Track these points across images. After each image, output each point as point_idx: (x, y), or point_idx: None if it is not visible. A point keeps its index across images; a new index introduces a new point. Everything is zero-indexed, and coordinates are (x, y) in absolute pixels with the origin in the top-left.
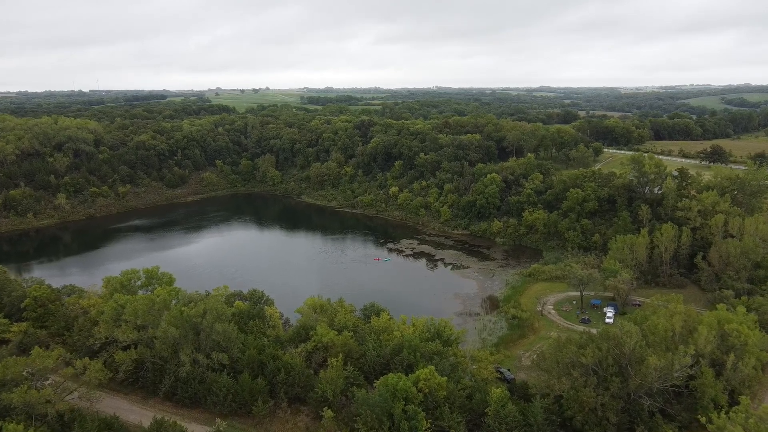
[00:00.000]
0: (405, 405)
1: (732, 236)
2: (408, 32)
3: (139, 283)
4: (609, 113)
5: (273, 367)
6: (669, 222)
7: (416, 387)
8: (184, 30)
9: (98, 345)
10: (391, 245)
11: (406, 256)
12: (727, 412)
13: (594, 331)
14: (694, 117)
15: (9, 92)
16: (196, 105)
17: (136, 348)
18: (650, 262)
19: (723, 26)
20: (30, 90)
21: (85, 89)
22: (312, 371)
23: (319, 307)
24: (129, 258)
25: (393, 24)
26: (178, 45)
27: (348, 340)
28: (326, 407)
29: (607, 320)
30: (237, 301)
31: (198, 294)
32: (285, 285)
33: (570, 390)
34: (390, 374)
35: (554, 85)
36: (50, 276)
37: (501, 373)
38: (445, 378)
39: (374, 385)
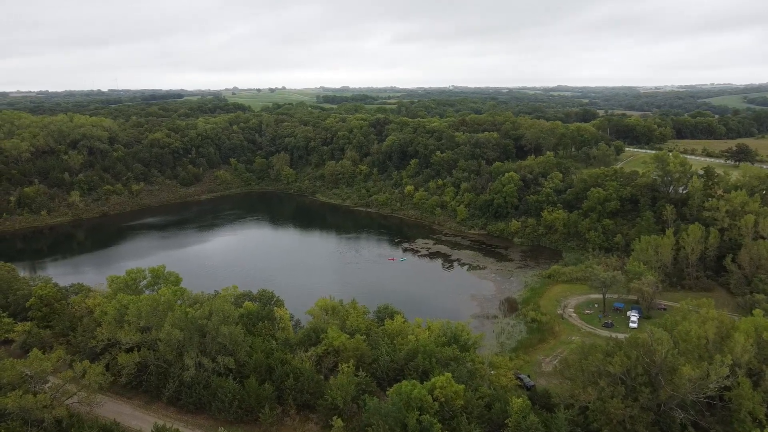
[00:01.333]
0: (419, 415)
1: (763, 237)
2: (424, 31)
3: (144, 282)
4: (628, 112)
5: (281, 372)
6: (696, 222)
7: (432, 395)
8: (203, 29)
9: (101, 347)
10: (406, 245)
11: (422, 255)
12: (765, 427)
13: (618, 336)
14: (717, 116)
15: (30, 92)
16: (212, 104)
17: (139, 350)
18: (675, 264)
19: (744, 23)
20: (50, 90)
21: (104, 89)
22: (322, 377)
23: (331, 308)
24: (142, 256)
25: (409, 23)
26: (196, 44)
27: (360, 344)
28: (336, 416)
29: (631, 324)
30: (246, 302)
31: (204, 294)
32: (297, 285)
33: (596, 401)
34: (404, 381)
35: (571, 84)
36: (63, 274)
37: (521, 379)
38: (463, 386)
39: (387, 393)
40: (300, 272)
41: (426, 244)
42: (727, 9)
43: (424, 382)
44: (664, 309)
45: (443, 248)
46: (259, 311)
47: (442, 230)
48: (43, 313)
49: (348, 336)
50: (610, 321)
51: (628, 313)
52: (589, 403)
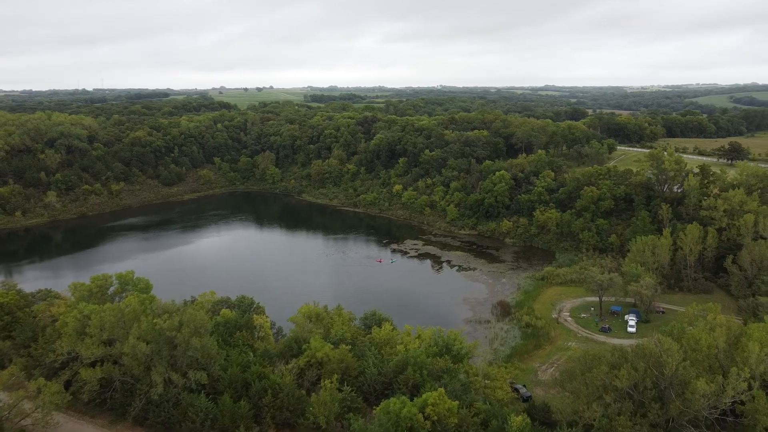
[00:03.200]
0: None
1: (763, 237)
2: (418, 30)
3: (112, 289)
4: (617, 111)
5: (258, 388)
6: (693, 222)
7: (423, 413)
8: (197, 27)
9: (60, 362)
10: (394, 246)
11: (411, 257)
12: None
13: (616, 341)
14: (705, 115)
15: (13, 91)
16: (197, 102)
17: (102, 365)
18: (673, 265)
19: (730, 25)
20: (35, 89)
21: (90, 88)
22: (304, 391)
23: (315, 315)
24: (121, 259)
25: (403, 22)
26: (187, 43)
27: (345, 355)
28: None
29: (630, 329)
30: (223, 309)
31: (174, 304)
32: (280, 289)
33: (602, 418)
34: (392, 399)
35: (559, 84)
36: (35, 278)
37: (517, 390)
38: (456, 402)
39: (374, 411)
40: (284, 275)
41: (415, 245)
42: (714, 11)
43: (415, 399)
44: (663, 312)
45: (433, 249)
46: (236, 320)
47: (432, 230)
48: (4, 323)
49: (332, 346)
50: (607, 325)
51: (626, 316)
52: (594, 420)
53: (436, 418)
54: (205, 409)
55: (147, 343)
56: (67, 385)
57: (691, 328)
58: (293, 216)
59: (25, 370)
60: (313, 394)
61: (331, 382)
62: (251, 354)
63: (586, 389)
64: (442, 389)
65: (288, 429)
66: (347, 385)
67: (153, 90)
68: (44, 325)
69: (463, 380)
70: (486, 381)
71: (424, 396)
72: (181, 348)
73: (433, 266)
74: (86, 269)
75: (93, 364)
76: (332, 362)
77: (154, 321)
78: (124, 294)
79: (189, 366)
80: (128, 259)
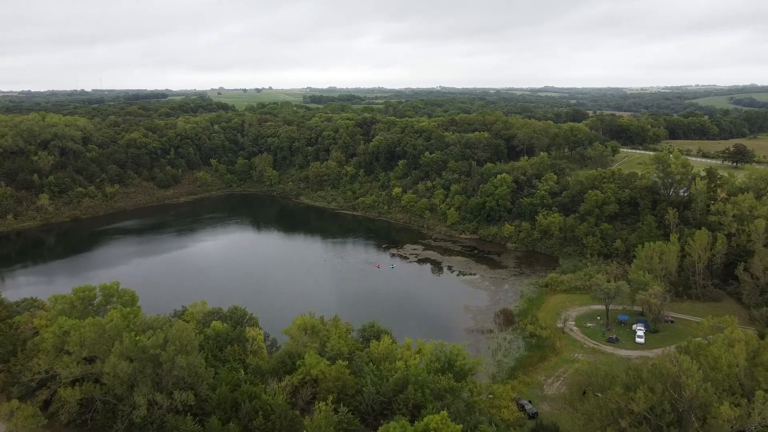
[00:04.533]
0: None
1: None
2: (417, 31)
3: (96, 302)
4: (617, 113)
5: (249, 408)
6: (702, 228)
7: None
8: (196, 27)
9: (37, 381)
10: (394, 250)
11: (411, 262)
12: None
13: (624, 352)
14: (706, 116)
15: (12, 91)
16: (195, 103)
17: (81, 384)
18: (681, 272)
19: (730, 25)
20: (33, 89)
21: (88, 89)
22: (298, 411)
23: (310, 327)
24: (113, 264)
25: (402, 22)
26: (186, 43)
27: (342, 372)
28: None
29: (638, 339)
30: (214, 322)
31: (159, 318)
32: (275, 296)
33: None
34: (392, 423)
35: (558, 85)
36: (27, 284)
37: (522, 406)
38: (460, 426)
39: None
40: (280, 281)
41: (415, 249)
42: (712, 11)
43: (416, 423)
44: (672, 321)
45: (433, 254)
46: (228, 333)
47: (432, 234)
48: None
49: (328, 362)
50: (614, 336)
51: (634, 326)
52: None
53: None
54: None
55: (131, 361)
56: (47, 404)
57: (706, 342)
58: (291, 219)
59: (2, 387)
60: (307, 416)
61: (327, 404)
62: (242, 371)
63: (600, 413)
64: (444, 412)
65: None
66: (344, 405)
67: (151, 91)
68: (25, 338)
69: (466, 400)
70: (490, 396)
71: (425, 420)
72: (166, 366)
73: (433, 272)
74: (78, 275)
75: (73, 383)
76: (328, 380)
77: (137, 338)
78: (108, 306)
79: (175, 385)
80: (120, 264)
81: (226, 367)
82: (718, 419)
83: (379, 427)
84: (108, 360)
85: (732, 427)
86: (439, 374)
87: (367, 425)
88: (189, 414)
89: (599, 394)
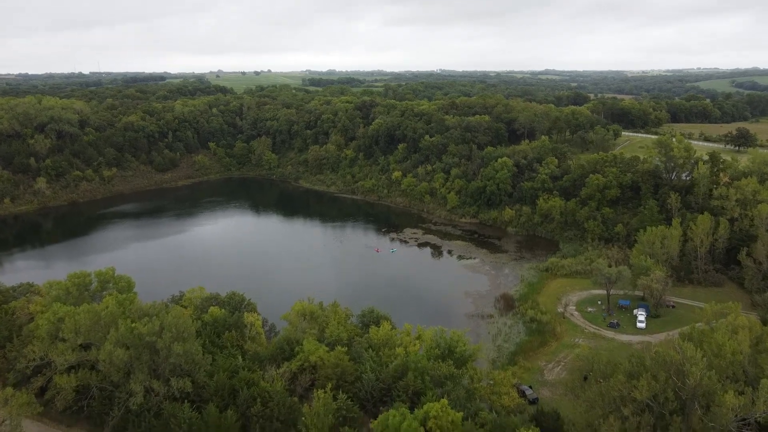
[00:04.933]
0: None
1: None
2: (417, 14)
3: (91, 288)
4: (618, 96)
5: (247, 395)
6: (705, 212)
7: (424, 427)
8: (195, 9)
9: (32, 368)
10: (393, 234)
11: (410, 246)
12: None
13: (625, 337)
14: (708, 99)
15: (9, 74)
16: (193, 86)
17: (78, 371)
18: (682, 257)
19: (731, 9)
20: (31, 72)
21: (86, 71)
22: (296, 398)
23: (309, 313)
24: (111, 248)
25: (402, 6)
26: (186, 26)
27: (341, 359)
28: None
29: (639, 324)
30: (212, 307)
31: (156, 305)
32: (274, 281)
33: None
34: (391, 410)
35: (559, 68)
36: (25, 268)
37: (522, 392)
38: (461, 413)
39: (372, 424)
40: (279, 266)
41: (415, 233)
42: None
43: (415, 410)
44: (673, 306)
45: (433, 238)
46: (225, 319)
47: (432, 219)
48: None
49: (327, 349)
50: (615, 321)
51: (635, 311)
52: None
53: (438, 431)
54: (189, 420)
55: (127, 348)
56: (43, 390)
57: (710, 328)
58: (290, 203)
59: None
60: (306, 404)
61: (325, 392)
62: (240, 358)
63: (602, 401)
64: (444, 400)
65: None
66: (343, 392)
67: (149, 73)
68: (21, 324)
69: (466, 386)
70: (490, 381)
71: (425, 407)
72: (162, 354)
73: (433, 256)
74: (76, 259)
75: (69, 370)
76: (327, 367)
77: (133, 325)
78: (104, 293)
79: (172, 372)
80: (118, 248)
81: (223, 354)
82: (722, 407)
83: (379, 415)
84: (103, 347)
85: (736, 415)
86: (439, 361)
87: (367, 412)
88: (186, 401)
89: (601, 381)
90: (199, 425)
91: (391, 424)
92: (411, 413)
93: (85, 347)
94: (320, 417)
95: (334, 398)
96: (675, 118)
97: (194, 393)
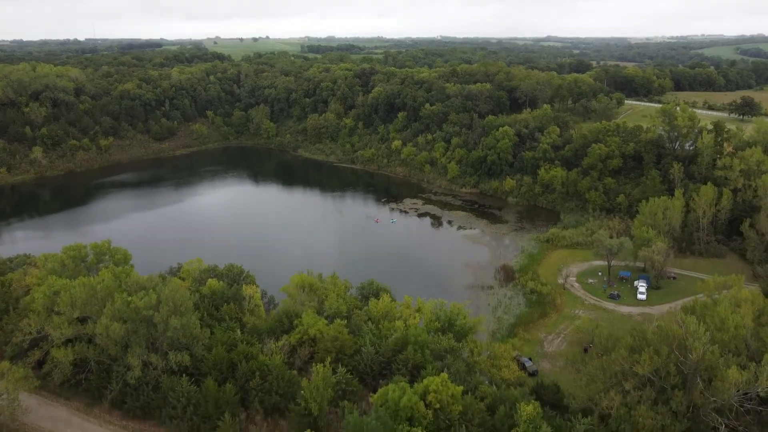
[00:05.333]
0: (410, 428)
1: None
2: None
3: (87, 260)
4: (621, 63)
5: (245, 369)
6: (708, 183)
7: (424, 401)
8: None
9: (28, 341)
10: (393, 205)
11: (410, 217)
12: None
13: (625, 309)
14: (712, 67)
15: (3, 41)
16: (190, 53)
17: (75, 344)
18: (684, 228)
19: None
20: (25, 39)
21: (81, 38)
22: (295, 372)
23: (308, 285)
24: (108, 218)
25: None
26: None
27: (340, 332)
28: (310, 428)
29: (639, 296)
30: (210, 279)
31: (153, 278)
32: (274, 252)
33: (621, 407)
34: (391, 385)
35: (561, 35)
36: (23, 239)
37: (522, 363)
38: (461, 387)
39: (371, 398)
40: (278, 237)
41: (415, 204)
42: None
43: (415, 384)
44: (674, 278)
45: (433, 209)
46: (224, 291)
47: (432, 189)
48: None
49: (326, 321)
50: (616, 292)
51: (636, 282)
52: (612, 409)
53: (438, 406)
54: (187, 394)
55: (124, 322)
56: (39, 364)
57: (712, 301)
58: (288, 173)
59: None
60: (305, 378)
61: (324, 366)
62: (238, 331)
63: (604, 375)
64: (445, 374)
65: (278, 414)
66: (342, 366)
67: (146, 40)
68: (17, 296)
69: (466, 360)
70: (489, 352)
71: (425, 381)
72: (160, 327)
73: (433, 227)
74: (74, 230)
75: (66, 343)
76: (326, 340)
77: (129, 299)
78: (100, 265)
79: (170, 346)
80: (117, 218)
81: (222, 327)
82: (725, 382)
83: (379, 389)
84: (100, 321)
85: (738, 390)
86: (439, 334)
87: (366, 385)
88: (184, 374)
89: (602, 355)
90: (198, 399)
91: (390, 398)
92: (411, 387)
93: (82, 321)
94: (319, 391)
95: (334, 372)
96: (679, 86)
97: (192, 366)
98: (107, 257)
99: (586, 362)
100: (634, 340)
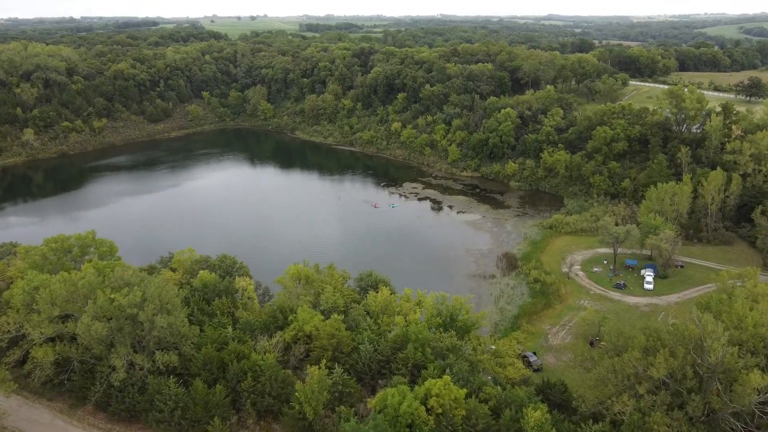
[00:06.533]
0: None
1: None
2: None
3: (72, 252)
4: (624, 43)
5: (237, 370)
6: (717, 167)
7: (425, 405)
8: None
9: (7, 340)
10: (392, 189)
11: (410, 201)
12: None
13: (632, 299)
14: (717, 47)
15: None
16: (186, 32)
17: (56, 343)
18: (691, 215)
19: None
20: (21, 17)
21: (77, 16)
22: (290, 371)
23: (304, 277)
24: (101, 203)
25: None
26: None
27: (337, 328)
28: None
29: (646, 286)
30: (201, 271)
31: (137, 273)
32: (269, 239)
33: (635, 412)
34: (389, 390)
35: (562, 12)
36: (12, 225)
37: (526, 358)
38: (464, 390)
39: (368, 403)
40: (274, 224)
41: (415, 188)
42: None
43: (416, 387)
44: (682, 266)
45: (434, 193)
46: (216, 284)
47: (432, 172)
48: None
49: (322, 317)
50: (622, 282)
51: (642, 271)
52: (624, 415)
53: (440, 411)
54: (175, 397)
55: (108, 320)
56: (21, 363)
57: (726, 295)
58: (286, 155)
59: None
60: (299, 381)
61: (320, 368)
62: (230, 328)
63: (616, 377)
64: (447, 377)
65: (272, 417)
66: (339, 364)
67: (142, 18)
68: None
69: (469, 359)
70: (492, 347)
71: (426, 384)
72: (146, 326)
73: (433, 213)
74: (65, 214)
75: (49, 341)
76: (322, 337)
77: (112, 297)
78: (86, 257)
79: (156, 345)
80: (110, 203)
81: (213, 323)
82: (746, 387)
83: (377, 388)
84: (81, 321)
85: (759, 395)
86: (441, 330)
87: (364, 385)
88: (172, 375)
89: (609, 349)
90: (186, 401)
91: (390, 404)
92: (411, 390)
93: (64, 319)
94: (314, 394)
95: (330, 373)
96: (683, 66)
97: (181, 366)
98: (92, 249)
99: (595, 360)
100: (648, 340)
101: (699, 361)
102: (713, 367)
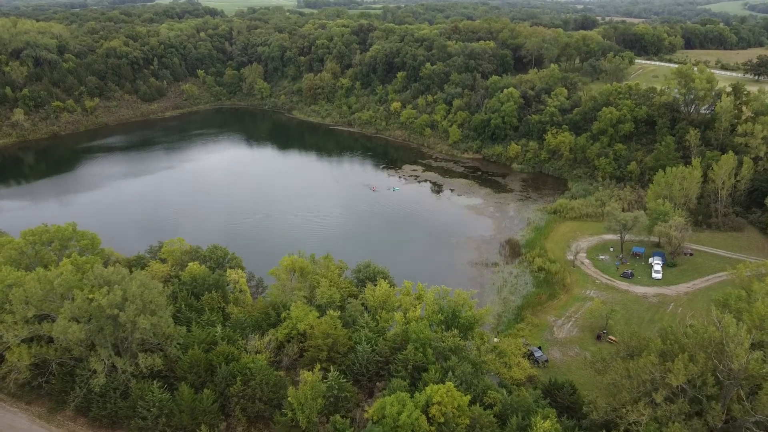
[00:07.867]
0: None
1: None
2: None
3: (52, 245)
4: (628, 19)
5: (225, 373)
6: (728, 151)
7: (426, 414)
8: None
9: None
10: (392, 171)
11: (410, 185)
12: None
13: (640, 289)
14: (722, 24)
15: None
16: (181, 8)
17: (32, 345)
18: (700, 200)
19: None
20: None
21: None
22: (282, 372)
23: (299, 269)
24: (93, 186)
25: None
26: None
27: (333, 326)
28: None
29: (655, 275)
30: (191, 263)
31: (118, 270)
32: (264, 226)
33: (651, 422)
34: (388, 398)
35: None
36: (6, 210)
37: (531, 353)
38: (468, 396)
39: (366, 413)
40: (269, 209)
41: (414, 170)
42: None
43: (416, 394)
44: (691, 254)
45: (434, 176)
46: (205, 278)
47: (432, 154)
48: None
49: (317, 314)
50: (629, 270)
51: (650, 260)
52: (640, 425)
53: (442, 420)
54: (159, 403)
55: (88, 320)
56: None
57: (743, 290)
58: (283, 136)
59: None
60: (291, 386)
61: (313, 373)
62: (219, 326)
63: (631, 383)
64: (450, 383)
65: (262, 424)
66: (334, 366)
67: None
68: None
69: (473, 360)
70: (495, 340)
71: (428, 390)
72: (127, 327)
73: (433, 196)
74: (56, 198)
75: (26, 341)
76: (317, 336)
77: (91, 296)
78: (68, 251)
79: (140, 347)
80: (102, 187)
81: (202, 320)
82: None
83: (375, 392)
84: (57, 322)
85: None
86: (442, 328)
87: (361, 387)
88: (157, 379)
89: (621, 350)
90: (171, 408)
91: (388, 413)
92: (411, 398)
93: (41, 318)
94: (308, 401)
95: (324, 376)
96: (689, 44)
97: (166, 368)
98: (73, 242)
99: (606, 361)
100: (666, 343)
101: (720, 367)
102: (736, 373)
